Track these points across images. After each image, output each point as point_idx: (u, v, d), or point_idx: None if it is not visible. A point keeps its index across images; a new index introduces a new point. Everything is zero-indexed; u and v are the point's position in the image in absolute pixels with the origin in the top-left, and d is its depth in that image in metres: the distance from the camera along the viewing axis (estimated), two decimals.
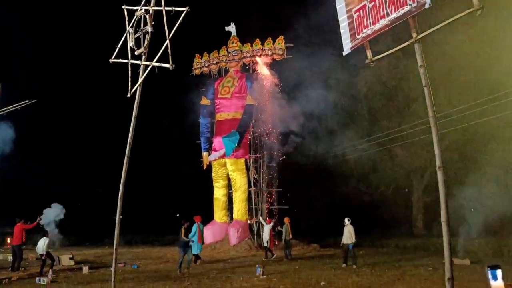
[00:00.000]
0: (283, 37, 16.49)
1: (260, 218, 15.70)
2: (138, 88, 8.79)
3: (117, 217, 8.36)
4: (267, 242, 13.86)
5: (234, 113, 16.86)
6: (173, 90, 17.34)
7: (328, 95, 16.22)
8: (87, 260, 14.02)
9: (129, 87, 8.89)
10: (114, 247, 8.06)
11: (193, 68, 17.78)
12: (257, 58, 16.51)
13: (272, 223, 14.23)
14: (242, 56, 16.99)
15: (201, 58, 17.76)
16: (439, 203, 4.82)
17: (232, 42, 17.20)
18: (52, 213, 19.34)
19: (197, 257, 12.55)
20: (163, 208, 20.98)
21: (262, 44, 16.66)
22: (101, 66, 10.17)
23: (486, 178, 13.44)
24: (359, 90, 17.78)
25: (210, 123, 17.42)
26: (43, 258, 11.04)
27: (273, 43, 16.50)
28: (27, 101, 10.69)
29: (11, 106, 10.88)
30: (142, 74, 8.78)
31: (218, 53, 17.45)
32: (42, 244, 11.17)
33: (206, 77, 17.81)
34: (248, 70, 17.17)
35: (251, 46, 16.83)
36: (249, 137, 16.90)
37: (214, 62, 17.48)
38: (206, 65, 17.61)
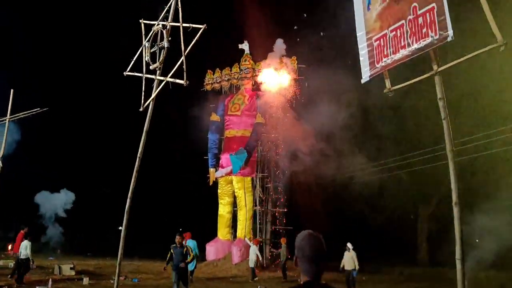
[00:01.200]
0: (295, 58, 16.61)
1: (246, 239, 15.45)
2: (151, 103, 8.79)
3: (123, 231, 8.27)
4: (254, 263, 13.77)
5: (243, 130, 16.87)
6: (183, 104, 17.34)
7: (339, 117, 16.19)
8: (88, 270, 13.91)
9: (142, 101, 8.90)
10: (118, 261, 7.99)
11: (204, 84, 17.83)
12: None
13: (258, 245, 14.31)
14: (254, 74, 17.01)
15: (213, 74, 17.83)
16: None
17: (245, 60, 17.28)
18: (59, 201, 19.18)
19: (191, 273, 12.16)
20: (167, 221, 20.83)
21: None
22: (116, 78, 10.15)
23: (497, 209, 13.30)
24: (371, 113, 17.74)
25: (219, 140, 17.43)
26: (24, 261, 10.84)
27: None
28: (38, 108, 10.69)
29: (22, 113, 10.89)
30: (156, 89, 8.79)
31: (230, 70, 17.51)
32: (25, 248, 10.98)
33: (217, 93, 17.86)
34: (259, 89, 17.19)
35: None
36: (257, 155, 16.90)
37: (226, 78, 17.54)
38: (218, 81, 17.67)
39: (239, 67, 17.28)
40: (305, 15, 18.62)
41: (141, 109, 8.90)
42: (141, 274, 13.82)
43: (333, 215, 20.66)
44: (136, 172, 8.63)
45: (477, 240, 14.57)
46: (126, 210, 8.50)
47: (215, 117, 17.19)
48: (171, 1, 8.87)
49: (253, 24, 16.64)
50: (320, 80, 15.90)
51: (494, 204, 14.01)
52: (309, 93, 16.73)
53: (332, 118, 16.11)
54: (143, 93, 8.96)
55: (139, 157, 8.74)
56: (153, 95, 8.83)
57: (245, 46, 17.35)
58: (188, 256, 9.63)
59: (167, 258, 9.58)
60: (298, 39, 17.11)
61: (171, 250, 9.50)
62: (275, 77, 16.56)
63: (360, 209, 20.62)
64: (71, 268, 13.16)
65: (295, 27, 17.61)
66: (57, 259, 16.81)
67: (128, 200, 8.53)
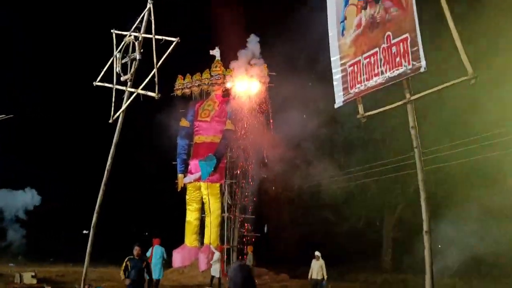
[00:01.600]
0: (266, 65, 16.61)
1: (211, 246, 15.28)
2: (121, 115, 8.66)
3: (90, 239, 8.12)
4: (218, 271, 13.50)
5: (213, 137, 16.71)
6: (152, 109, 17.05)
7: (308, 125, 16.32)
8: (50, 278, 13.58)
9: (112, 113, 8.75)
10: (84, 269, 7.87)
11: (174, 89, 17.58)
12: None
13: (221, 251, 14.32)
14: (224, 81, 16.92)
15: (184, 79, 17.62)
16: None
17: (216, 66, 17.14)
18: (21, 201, 18.41)
19: (156, 283, 11.61)
20: (135, 227, 20.64)
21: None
22: (85, 87, 9.96)
23: (463, 217, 13.73)
24: (339, 122, 17.97)
25: (188, 145, 17.18)
26: None
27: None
28: (3, 115, 10.39)
29: None
30: (126, 101, 8.66)
31: (201, 76, 17.35)
32: None
33: (187, 99, 17.68)
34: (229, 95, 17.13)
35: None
36: (226, 162, 16.80)
37: (196, 84, 17.34)
38: (188, 86, 17.44)
39: (210, 73, 17.14)
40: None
41: (110, 121, 8.76)
42: (106, 282, 13.57)
43: (301, 222, 20.89)
44: (104, 185, 8.50)
45: (439, 246, 15.04)
46: (92, 224, 8.36)
47: (184, 123, 17.01)
48: (144, 12, 8.75)
49: (225, 30, 16.67)
50: (290, 88, 16.03)
51: (458, 213, 14.48)
52: (279, 101, 16.83)
53: (301, 126, 16.23)
54: (113, 105, 8.82)
55: (107, 170, 8.62)
56: (123, 107, 8.72)
57: (216, 52, 17.25)
58: (146, 271, 8.86)
59: (122, 269, 8.29)
60: (269, 47, 17.07)
61: (127, 262, 8.35)
62: (245, 83, 16.54)
63: (326, 217, 20.86)
64: (32, 276, 12.82)
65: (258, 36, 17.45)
66: (18, 266, 16.37)
67: (95, 215, 8.39)
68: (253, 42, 16.86)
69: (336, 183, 18.89)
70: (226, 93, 17.03)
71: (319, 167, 17.66)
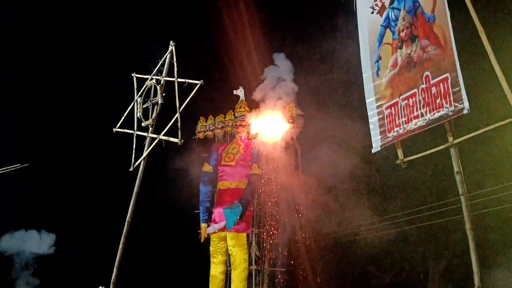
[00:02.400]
0: (294, 104, 16.75)
1: None
2: (142, 162, 8.89)
3: None
4: None
5: (238, 182, 16.68)
6: (172, 153, 17.29)
7: (341, 168, 16.31)
8: None
9: (133, 160, 9.00)
10: None
11: (196, 132, 17.75)
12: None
13: None
14: (249, 122, 17.03)
15: (206, 121, 17.85)
16: None
17: (240, 107, 17.28)
18: (33, 244, 18.36)
19: None
20: (156, 281, 20.61)
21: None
22: (105, 134, 10.27)
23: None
24: (375, 164, 17.90)
25: (211, 192, 17.19)
26: None
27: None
28: (18, 164, 10.72)
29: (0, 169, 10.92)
30: (148, 147, 8.91)
31: (224, 117, 17.55)
32: None
33: (210, 142, 17.86)
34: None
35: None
36: (253, 209, 16.76)
37: (220, 126, 17.51)
38: (211, 128, 17.59)
39: (234, 114, 17.33)
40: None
41: (131, 169, 8.99)
42: None
43: (337, 274, 20.54)
44: (124, 238, 8.63)
45: None
46: (112, 280, 8.46)
47: (207, 168, 17.00)
48: (165, 55, 9.11)
49: (249, 70, 17.06)
50: (321, 127, 16.15)
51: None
52: (310, 141, 16.90)
53: (334, 169, 16.23)
54: (133, 152, 9.08)
55: (128, 222, 8.77)
56: (145, 154, 8.95)
57: (240, 92, 17.44)
58: None
59: None
60: (297, 85, 17.24)
61: None
62: (271, 125, 16.64)
63: (365, 267, 20.50)
64: None
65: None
66: None
67: (114, 270, 8.50)
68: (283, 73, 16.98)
69: (374, 231, 18.65)
70: (252, 136, 17.14)
71: (355, 213, 17.48)
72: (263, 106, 16.75)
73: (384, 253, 19.38)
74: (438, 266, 20.31)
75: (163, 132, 8.51)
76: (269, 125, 16.63)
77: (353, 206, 17.06)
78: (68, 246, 20.60)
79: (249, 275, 16.54)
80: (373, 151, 5.99)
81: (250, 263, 16.54)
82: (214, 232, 16.59)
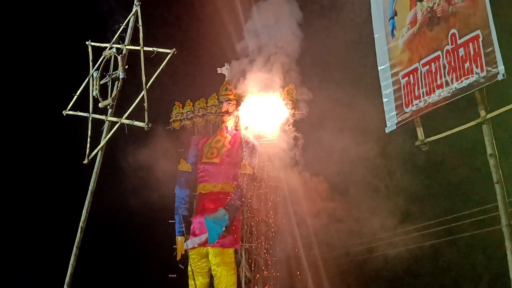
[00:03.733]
0: (293, 85, 16.76)
1: None
2: (99, 153, 8.95)
3: None
4: None
5: (223, 184, 16.76)
6: (138, 147, 17.22)
7: (354, 167, 16.43)
8: None
9: (87, 151, 9.05)
10: None
11: (170, 120, 17.78)
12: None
13: None
14: (237, 108, 17.05)
15: (183, 108, 17.87)
16: None
17: (226, 89, 17.34)
18: None
19: None
20: None
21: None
22: (52, 117, 10.32)
23: None
24: (397, 161, 18.00)
25: (190, 197, 17.29)
26: None
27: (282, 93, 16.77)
28: None
29: None
30: (107, 134, 8.97)
31: (206, 103, 17.60)
32: None
33: (188, 133, 17.90)
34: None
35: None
36: (242, 219, 16.79)
37: (200, 113, 17.55)
38: (189, 116, 17.63)
39: (218, 99, 17.37)
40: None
41: (85, 162, 9.05)
42: None
43: None
44: (77, 248, 8.70)
45: None
46: None
47: (184, 166, 17.12)
48: (128, 17, 9.15)
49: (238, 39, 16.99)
50: (327, 115, 16.20)
51: None
52: (314, 132, 16.94)
53: (345, 168, 16.31)
54: (88, 140, 9.13)
55: (81, 228, 8.83)
56: (103, 143, 9.01)
57: (225, 70, 17.53)
58: None
59: None
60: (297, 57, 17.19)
61: None
62: (265, 111, 16.68)
63: None
64: None
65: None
66: None
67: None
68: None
69: (394, 246, 18.75)
70: (241, 126, 17.06)
71: (371, 224, 17.59)
72: (252, 82, 16.70)
73: (407, 274, 19.39)
74: None
75: (125, 115, 8.55)
76: (263, 112, 16.74)
77: (367, 215, 17.11)
78: (3, 258, 20.68)
79: None
80: (387, 130, 6.05)
81: (238, 287, 16.66)
82: (194, 248, 16.73)
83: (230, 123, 17.27)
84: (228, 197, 16.41)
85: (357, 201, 17.47)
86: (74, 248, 8.63)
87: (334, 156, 16.56)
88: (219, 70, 17.73)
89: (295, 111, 16.82)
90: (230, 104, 17.20)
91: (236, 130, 17.26)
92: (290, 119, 16.72)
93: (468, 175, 16.86)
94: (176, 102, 17.97)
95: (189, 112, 17.73)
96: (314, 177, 16.59)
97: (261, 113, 16.64)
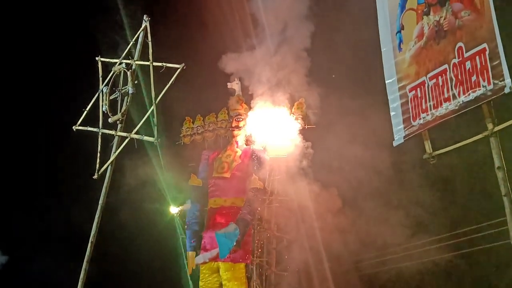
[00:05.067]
0: (303, 100, 16.78)
1: None
2: (109, 168, 8.98)
3: None
4: None
5: (234, 199, 16.66)
6: (150, 163, 17.28)
7: (365, 180, 16.38)
8: None
9: (97, 165, 9.09)
10: None
11: (181, 135, 17.85)
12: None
13: None
14: (248, 123, 17.02)
15: (193, 123, 17.90)
16: None
17: (236, 103, 17.38)
18: None
19: None
20: None
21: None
22: (62, 133, 10.39)
23: None
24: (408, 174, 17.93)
25: (200, 212, 17.22)
26: None
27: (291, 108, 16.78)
28: None
29: None
30: (117, 149, 9.01)
31: (216, 117, 17.62)
32: None
33: (199, 148, 17.89)
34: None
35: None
36: (253, 233, 16.76)
37: (210, 128, 17.57)
38: (199, 131, 17.67)
39: (228, 113, 17.39)
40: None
41: (95, 177, 9.08)
42: None
43: None
44: (87, 263, 8.71)
45: None
46: None
47: (195, 181, 17.00)
48: (138, 33, 9.22)
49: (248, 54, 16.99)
50: (338, 129, 16.17)
51: None
52: (324, 145, 16.91)
53: (356, 181, 16.26)
54: (98, 155, 9.18)
55: (91, 242, 8.85)
56: (112, 157, 9.04)
57: (236, 85, 17.53)
58: None
59: None
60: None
61: None
62: (275, 126, 16.67)
63: None
64: None
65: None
66: None
67: None
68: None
69: (406, 259, 18.62)
70: (251, 140, 17.02)
71: (381, 237, 17.49)
72: (262, 97, 16.71)
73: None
74: None
75: (135, 130, 8.58)
76: (273, 126, 16.73)
77: (379, 226, 17.01)
78: (20, 270, 20.75)
79: None
80: (394, 143, 6.08)
81: None
82: (205, 263, 16.42)
83: (240, 137, 17.24)
84: (239, 212, 16.48)
85: (367, 214, 17.38)
86: (84, 263, 8.65)
87: (345, 168, 16.52)
88: (229, 85, 17.75)
89: (305, 125, 16.89)
90: (240, 119, 17.19)
91: (246, 144, 17.31)
92: (300, 133, 16.81)
93: (477, 188, 16.80)
94: (186, 117, 18.01)
95: (199, 127, 17.75)
96: (325, 190, 16.55)
97: (271, 127, 16.71)
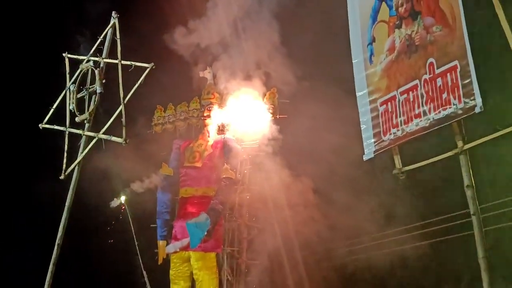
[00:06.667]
0: (275, 89, 16.68)
1: None
2: (76, 168, 8.79)
3: None
4: None
5: (205, 189, 16.64)
6: (119, 152, 16.96)
7: (334, 170, 16.37)
8: None
9: (64, 166, 8.89)
10: None
11: (152, 124, 17.71)
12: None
13: None
14: (219, 112, 16.94)
15: (165, 111, 17.76)
16: None
17: (208, 93, 17.23)
18: None
19: None
20: None
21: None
22: (27, 131, 10.13)
23: None
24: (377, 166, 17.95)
25: (171, 201, 17.17)
26: None
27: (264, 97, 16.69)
28: None
29: None
30: (84, 149, 8.81)
31: (188, 106, 17.49)
32: None
33: (170, 137, 17.75)
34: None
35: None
36: (224, 223, 16.73)
37: (182, 117, 17.46)
38: (171, 120, 17.55)
39: (200, 102, 17.26)
40: None
41: (62, 177, 8.90)
42: None
43: None
44: (53, 265, 8.56)
45: None
46: None
47: (166, 170, 16.93)
48: (106, 30, 8.99)
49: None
50: (309, 120, 16.11)
51: None
52: (296, 136, 16.86)
53: (325, 171, 16.24)
54: (65, 154, 8.98)
55: (57, 244, 8.69)
56: (79, 158, 8.86)
57: (208, 73, 17.39)
58: None
59: None
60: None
61: None
62: (246, 116, 16.58)
63: None
64: None
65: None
66: None
67: None
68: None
69: (375, 248, 18.74)
70: (222, 129, 16.95)
71: (352, 225, 17.53)
72: (233, 87, 16.56)
73: (389, 277, 19.40)
74: None
75: (103, 130, 8.39)
76: (244, 116, 16.63)
77: (350, 216, 17.05)
78: None
79: None
80: (364, 158, 6.01)
81: None
82: (175, 252, 16.62)
83: (212, 127, 17.18)
84: (210, 201, 16.41)
85: (339, 203, 17.41)
86: (51, 266, 8.49)
87: (316, 158, 16.50)
88: (201, 74, 17.58)
89: (277, 115, 16.81)
90: (212, 108, 17.08)
91: (218, 134, 17.19)
92: (271, 123, 16.73)
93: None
94: (157, 106, 17.85)
95: (171, 116, 17.63)
96: (296, 179, 16.49)
97: (243, 117, 16.61)
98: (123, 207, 16.81)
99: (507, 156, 14.77)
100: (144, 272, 14.20)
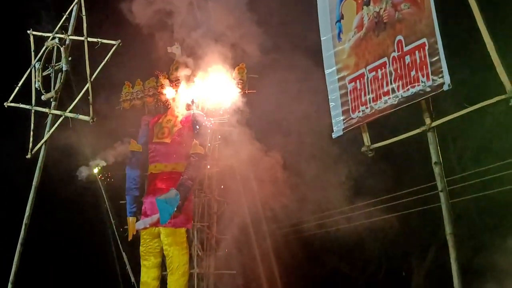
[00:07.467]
0: (244, 64, 16.60)
1: None
2: (43, 147, 8.65)
3: None
4: None
5: (174, 164, 16.55)
6: (87, 129, 16.75)
7: (304, 144, 16.43)
8: None
9: (30, 144, 8.74)
10: None
11: (120, 100, 17.52)
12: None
13: None
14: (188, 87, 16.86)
15: (133, 87, 17.57)
16: None
17: (176, 68, 17.11)
18: None
19: None
20: None
21: None
22: None
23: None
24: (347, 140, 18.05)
25: (141, 177, 17.03)
26: None
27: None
28: None
29: None
30: (50, 128, 8.67)
31: (156, 82, 17.32)
32: None
33: (138, 113, 17.59)
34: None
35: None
36: (194, 198, 16.69)
37: (150, 93, 17.30)
38: (139, 96, 17.37)
39: (168, 78, 17.10)
40: None
41: (28, 156, 8.76)
42: None
43: (301, 274, 20.75)
44: (21, 246, 8.46)
45: None
46: None
47: (135, 146, 16.78)
48: (72, 6, 8.79)
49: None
50: (278, 94, 16.08)
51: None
52: (264, 112, 16.83)
53: (294, 145, 16.29)
54: (31, 133, 8.83)
55: (25, 224, 8.59)
56: (46, 137, 8.72)
57: (176, 49, 17.19)
58: None
59: None
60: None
61: None
62: (215, 90, 16.52)
63: (336, 267, 20.85)
64: None
65: None
66: None
67: (9, 287, 8.35)
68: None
69: (344, 221, 18.94)
70: (191, 105, 16.86)
71: (320, 199, 17.66)
72: (202, 61, 16.43)
73: (357, 248, 19.74)
74: (422, 262, 20.88)
75: (69, 108, 8.24)
76: (214, 91, 16.54)
77: (317, 190, 17.17)
78: None
79: (190, 280, 16.65)
80: (333, 135, 6.00)
81: (191, 266, 16.59)
82: (145, 228, 16.57)
83: (180, 102, 17.05)
84: (180, 177, 16.33)
85: (307, 177, 17.50)
86: (18, 246, 8.38)
87: (285, 132, 16.52)
88: (169, 49, 17.36)
89: (246, 89, 16.74)
90: (180, 84, 16.95)
91: (187, 109, 17.06)
92: (241, 98, 16.66)
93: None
94: (126, 82, 17.64)
95: (139, 92, 17.45)
96: (265, 154, 16.50)
97: (212, 92, 16.52)
98: (100, 176, 16.72)
99: (474, 132, 15.06)
100: (124, 253, 14.01)
